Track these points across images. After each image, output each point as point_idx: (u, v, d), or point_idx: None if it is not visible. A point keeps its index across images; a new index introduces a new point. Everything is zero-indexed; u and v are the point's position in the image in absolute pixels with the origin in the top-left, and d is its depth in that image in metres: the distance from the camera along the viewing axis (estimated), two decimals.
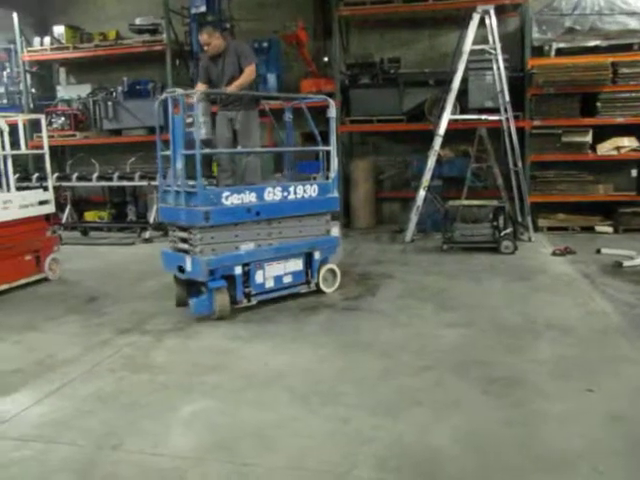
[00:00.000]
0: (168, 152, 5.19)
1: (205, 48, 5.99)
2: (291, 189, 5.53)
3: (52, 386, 3.75)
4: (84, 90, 11.21)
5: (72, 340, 4.68)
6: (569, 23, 8.90)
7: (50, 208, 6.80)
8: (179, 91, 5.19)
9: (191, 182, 5.08)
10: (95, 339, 4.66)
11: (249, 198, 5.22)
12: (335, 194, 5.91)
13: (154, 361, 4.19)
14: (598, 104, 8.84)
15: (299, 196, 5.59)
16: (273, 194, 5.39)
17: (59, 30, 11.21)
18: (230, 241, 5.15)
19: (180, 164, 5.02)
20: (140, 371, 3.99)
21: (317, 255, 5.73)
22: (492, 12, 8.17)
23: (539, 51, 9.21)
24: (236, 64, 6.02)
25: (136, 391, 3.67)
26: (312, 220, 5.74)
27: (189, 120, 5.08)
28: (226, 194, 5.09)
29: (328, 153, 5.90)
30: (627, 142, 8.92)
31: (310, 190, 5.67)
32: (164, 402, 3.50)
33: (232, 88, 5.84)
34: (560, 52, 9.02)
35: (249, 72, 5.96)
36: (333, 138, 5.90)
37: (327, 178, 5.89)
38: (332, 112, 5.87)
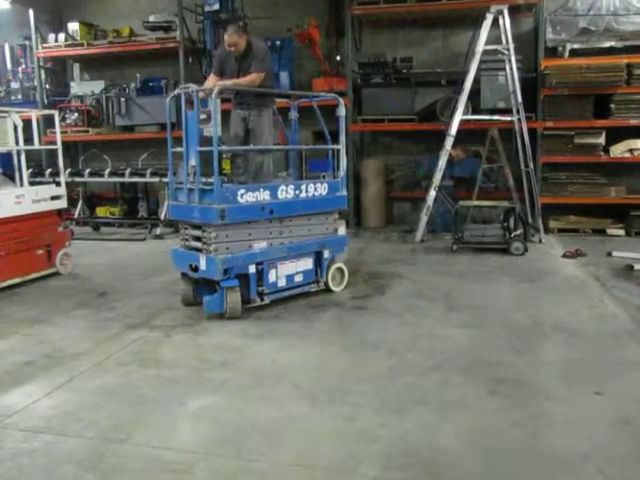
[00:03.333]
0: (181, 149, 5.17)
1: (232, 49, 5.82)
2: (303, 187, 5.55)
3: (61, 379, 3.79)
4: (97, 86, 11.27)
5: (82, 334, 4.73)
6: (584, 24, 8.85)
7: (62, 203, 6.86)
8: (193, 86, 5.17)
9: (203, 179, 5.07)
10: (104, 333, 4.71)
11: (263, 196, 5.22)
12: (344, 192, 5.93)
13: (162, 356, 4.22)
14: (612, 106, 8.79)
15: (310, 194, 5.61)
16: (286, 192, 5.40)
17: (73, 27, 11.26)
18: (244, 240, 5.15)
19: (194, 161, 5.01)
20: (148, 366, 4.02)
21: (326, 254, 5.74)
22: (506, 12, 8.13)
23: (553, 52, 9.15)
24: (251, 67, 5.84)
25: (144, 385, 3.70)
26: (321, 218, 5.76)
27: (203, 116, 5.04)
28: (241, 192, 5.08)
29: (338, 152, 5.91)
30: None
31: (320, 188, 5.69)
32: (172, 397, 3.52)
33: (228, 82, 5.68)
34: (574, 53, 8.96)
35: (253, 78, 5.72)
36: (342, 137, 5.91)
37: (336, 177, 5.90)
38: (342, 111, 5.87)
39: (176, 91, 5.33)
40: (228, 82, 5.74)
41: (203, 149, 4.98)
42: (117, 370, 3.95)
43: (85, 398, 3.52)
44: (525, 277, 6.39)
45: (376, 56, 10.00)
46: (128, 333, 4.70)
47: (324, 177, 5.92)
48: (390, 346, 4.33)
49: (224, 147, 5.43)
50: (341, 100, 5.95)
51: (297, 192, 5.50)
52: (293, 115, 6.28)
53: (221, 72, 6.00)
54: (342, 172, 5.90)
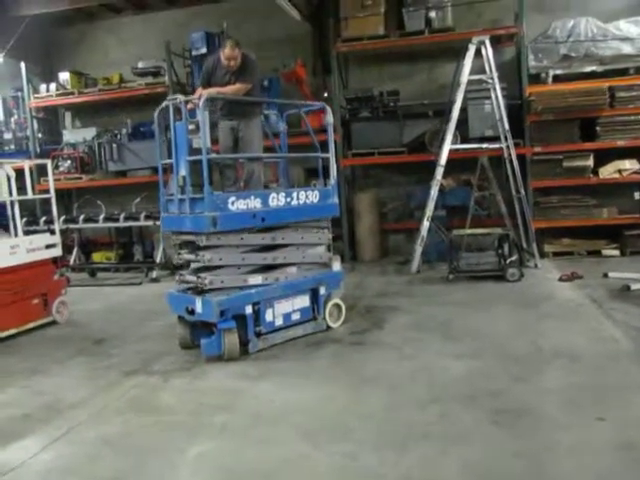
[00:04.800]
0: (170, 160, 5.19)
1: (232, 63, 5.86)
2: (294, 195, 5.55)
3: (60, 431, 3.75)
4: (89, 133, 11.37)
5: (80, 383, 4.69)
6: (564, 50, 9.00)
7: (57, 251, 6.86)
8: (180, 97, 5.17)
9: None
10: (102, 381, 4.67)
11: (254, 204, 5.22)
12: (335, 200, 5.92)
13: (161, 402, 4.18)
14: (598, 128, 8.89)
15: (301, 202, 5.60)
16: (277, 200, 5.40)
17: (64, 76, 11.45)
18: (238, 265, 5.14)
19: (184, 171, 5.02)
20: (147, 413, 3.99)
21: (322, 290, 5.73)
22: (487, 42, 8.28)
23: (536, 78, 9.28)
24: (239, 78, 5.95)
25: (143, 433, 3.66)
26: (313, 237, 5.75)
27: (191, 127, 5.06)
28: (232, 199, 5.08)
29: (327, 161, 5.94)
30: (629, 165, 8.92)
31: (312, 196, 5.70)
32: (171, 444, 3.48)
33: (213, 91, 5.71)
34: (557, 79, 9.11)
35: (239, 87, 5.84)
36: (332, 145, 5.94)
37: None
38: (329, 118, 5.92)
39: (164, 103, 5.30)
40: (213, 90, 5.77)
41: (192, 158, 4.99)
42: (115, 419, 3.91)
43: (83, 450, 3.48)
44: (522, 303, 6.38)
45: (363, 91, 10.12)
46: (126, 380, 4.67)
47: (315, 185, 5.92)
48: (390, 381, 4.30)
49: (214, 155, 5.44)
50: (329, 108, 6.02)
51: (288, 199, 5.49)
52: (282, 127, 6.33)
53: (208, 83, 6.05)
54: (333, 180, 5.92)
